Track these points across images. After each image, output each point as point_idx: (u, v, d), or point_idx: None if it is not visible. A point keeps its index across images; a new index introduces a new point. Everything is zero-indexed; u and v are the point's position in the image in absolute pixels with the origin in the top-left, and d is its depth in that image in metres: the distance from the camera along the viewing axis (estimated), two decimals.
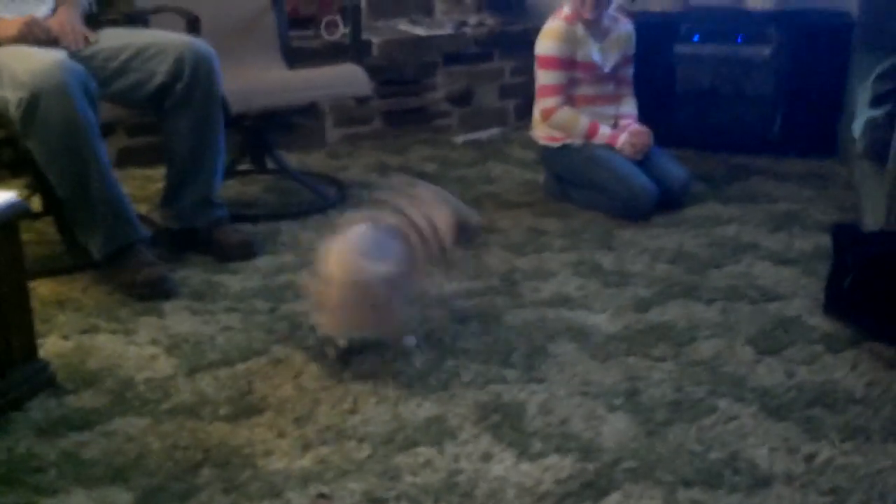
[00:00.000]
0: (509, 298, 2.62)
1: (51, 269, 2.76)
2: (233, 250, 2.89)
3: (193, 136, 2.84)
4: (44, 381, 2.13)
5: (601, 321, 2.49)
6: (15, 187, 2.53)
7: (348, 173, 3.79)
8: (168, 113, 2.83)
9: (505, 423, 2.01)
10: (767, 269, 2.81)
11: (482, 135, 4.37)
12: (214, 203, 2.94)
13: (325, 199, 3.41)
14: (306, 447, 1.92)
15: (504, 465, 1.87)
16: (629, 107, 3.46)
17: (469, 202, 3.40)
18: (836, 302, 2.47)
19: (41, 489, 1.79)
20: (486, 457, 1.90)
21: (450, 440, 1.95)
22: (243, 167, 3.57)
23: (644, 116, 3.47)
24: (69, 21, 2.77)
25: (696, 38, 3.95)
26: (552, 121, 3.34)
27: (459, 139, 4.30)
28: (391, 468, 1.85)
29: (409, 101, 4.37)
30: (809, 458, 1.90)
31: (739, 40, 3.89)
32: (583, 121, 3.32)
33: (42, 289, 2.62)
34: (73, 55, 2.64)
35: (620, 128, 3.37)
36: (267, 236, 3.07)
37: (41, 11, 2.80)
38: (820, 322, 2.46)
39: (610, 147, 3.31)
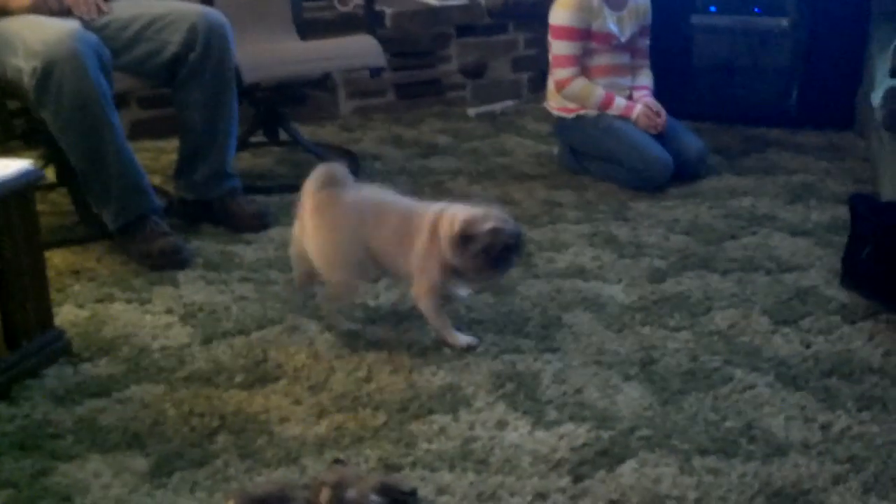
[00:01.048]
0: (524, 269, 2.61)
1: (65, 240, 2.76)
2: (246, 221, 2.89)
3: (206, 107, 2.83)
4: (60, 349, 2.14)
5: (616, 292, 2.48)
6: (29, 158, 2.53)
7: (361, 145, 3.78)
8: (181, 84, 2.82)
9: (520, 392, 2.01)
10: (784, 240, 2.79)
11: (496, 107, 4.34)
12: (228, 174, 2.93)
13: None
14: (321, 414, 1.93)
15: (519, 432, 1.87)
16: (645, 78, 3.42)
17: (482, 174, 3.41)
18: (853, 272, 2.46)
19: (58, 454, 1.80)
20: (501, 424, 1.90)
21: (464, 408, 1.95)
22: (256, 139, 3.55)
23: (660, 88, 3.44)
24: None
25: (713, 9, 3.91)
26: (566, 92, 3.32)
27: (473, 111, 4.27)
28: (406, 435, 1.86)
29: (422, 74, 4.34)
30: (826, 427, 1.89)
31: (757, 10, 3.84)
32: (598, 92, 3.29)
33: (57, 259, 2.63)
34: (87, 25, 2.63)
35: (636, 99, 3.35)
36: (280, 207, 3.05)
37: None
38: (836, 293, 2.45)
39: (625, 118, 3.29)
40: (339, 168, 2.27)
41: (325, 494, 1.54)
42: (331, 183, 2.22)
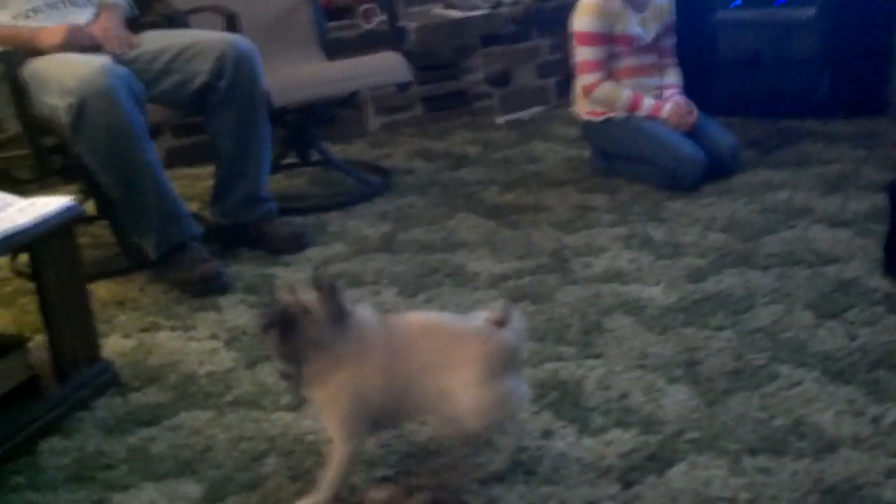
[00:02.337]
0: (561, 276, 2.61)
1: (108, 271, 2.81)
2: (283, 243, 2.92)
3: (238, 132, 2.86)
4: (108, 380, 2.18)
5: (656, 293, 2.47)
6: (67, 193, 2.57)
7: (391, 160, 3.80)
8: (212, 111, 2.86)
9: (564, 400, 2.01)
10: (823, 232, 2.76)
11: (523, 114, 4.35)
12: (263, 197, 2.96)
13: (371, 188, 3.43)
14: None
15: (566, 441, 1.87)
16: (673, 76, 3.41)
17: (514, 182, 3.42)
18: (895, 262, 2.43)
19: (112, 485, 1.83)
20: (547, 434, 1.90)
21: (510, 419, 1.95)
22: (288, 160, 3.59)
23: (688, 85, 3.42)
24: (112, 26, 2.81)
25: (736, 3, 3.88)
26: (594, 96, 3.31)
27: (501, 120, 4.29)
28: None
29: (448, 85, 4.36)
30: (876, 420, 1.87)
31: (779, 2, 3.82)
32: (625, 93, 3.28)
33: (101, 290, 2.67)
34: (117, 59, 2.68)
35: (664, 98, 3.34)
36: (316, 227, 3.09)
37: (84, 18, 2.84)
38: (880, 283, 2.42)
39: (654, 118, 3.28)
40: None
41: None
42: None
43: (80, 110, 2.51)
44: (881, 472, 1.71)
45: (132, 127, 2.56)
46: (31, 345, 2.14)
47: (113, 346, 2.36)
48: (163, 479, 1.83)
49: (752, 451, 1.79)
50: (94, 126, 2.53)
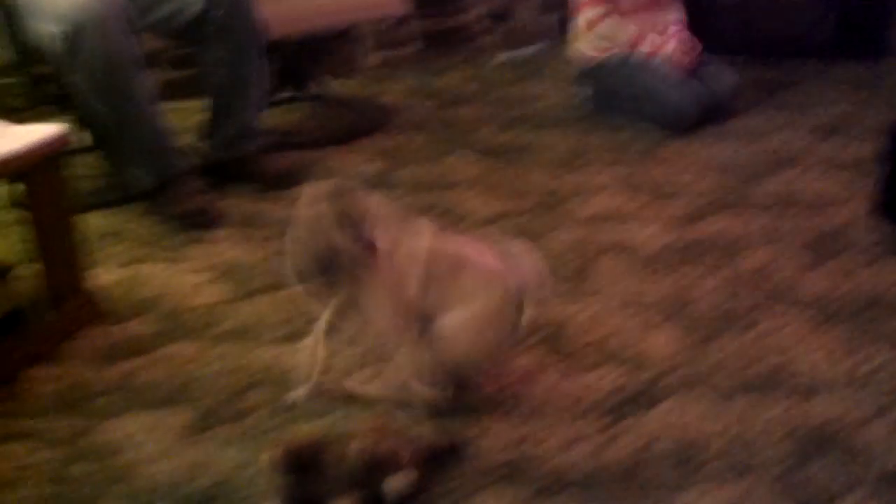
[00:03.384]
0: (556, 215, 2.59)
1: (101, 202, 2.79)
2: (276, 178, 2.89)
3: (232, 65, 2.82)
4: (96, 310, 2.17)
5: (650, 234, 2.45)
6: (64, 121, 2.54)
7: (389, 97, 3.75)
8: (205, 43, 2.81)
9: (553, 336, 2.01)
10: (820, 175, 2.74)
11: (524, 52, 4.29)
12: (256, 132, 2.93)
13: (368, 124, 3.39)
14: (358, 368, 1.93)
15: (553, 377, 1.87)
16: (675, 12, 3.34)
17: (512, 121, 3.38)
18: (893, 204, 2.40)
19: (98, 413, 1.83)
20: (537, 368, 1.89)
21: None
22: (284, 94, 3.55)
23: (690, 23, 3.36)
24: None
25: None
26: (598, 30, 3.25)
27: (501, 57, 4.22)
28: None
29: (449, 21, 4.29)
30: (864, 362, 1.87)
31: None
32: (629, 29, 3.23)
33: (93, 221, 2.65)
34: None
35: (668, 35, 3.28)
36: (310, 163, 3.06)
37: None
38: (875, 226, 2.40)
39: (656, 55, 3.22)
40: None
41: (354, 445, 1.56)
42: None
43: (74, 39, 2.47)
44: (865, 414, 1.71)
45: (125, 56, 2.53)
46: (15, 274, 2.13)
47: (102, 276, 2.35)
48: (149, 409, 1.84)
49: (738, 391, 1.80)
50: (88, 54, 2.49)
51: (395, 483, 1.55)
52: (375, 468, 1.56)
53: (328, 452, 1.59)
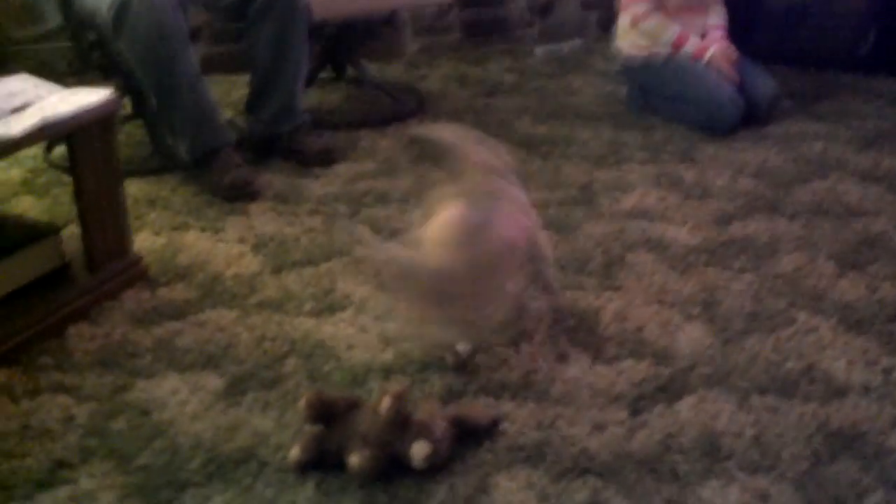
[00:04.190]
0: (588, 209, 2.62)
1: (141, 170, 2.84)
2: (314, 156, 2.94)
3: (277, 43, 2.87)
4: (137, 273, 2.23)
5: (681, 233, 2.48)
6: (106, 89, 2.60)
7: (426, 83, 3.79)
8: (252, 20, 2.86)
9: (580, 328, 2.04)
10: (854, 186, 2.75)
11: (563, 46, 4.31)
12: (296, 110, 2.98)
13: (405, 109, 3.43)
14: (388, 343, 1.98)
15: (579, 366, 1.91)
16: (717, 17, 3.36)
17: (548, 114, 3.40)
18: None
19: (137, 372, 1.89)
20: (562, 358, 1.93)
21: (526, 341, 1.98)
22: (324, 75, 3.59)
23: (732, 30, 3.37)
24: None
25: None
26: (643, 26, 3.27)
27: (539, 50, 4.25)
28: (470, 364, 1.90)
29: (490, 12, 4.32)
30: (887, 371, 1.89)
31: None
32: (673, 28, 3.24)
33: (133, 188, 2.71)
34: None
35: (709, 39, 3.29)
36: (347, 143, 3.11)
37: None
38: None
39: (697, 58, 3.24)
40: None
41: (385, 402, 1.59)
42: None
43: (122, 8, 2.52)
44: (887, 421, 1.74)
45: (173, 29, 2.57)
46: (63, 234, 2.19)
47: (143, 242, 2.41)
48: (186, 371, 1.89)
49: (762, 391, 1.83)
50: (135, 25, 2.54)
51: (422, 449, 1.58)
52: (404, 429, 1.59)
53: (358, 408, 1.64)
